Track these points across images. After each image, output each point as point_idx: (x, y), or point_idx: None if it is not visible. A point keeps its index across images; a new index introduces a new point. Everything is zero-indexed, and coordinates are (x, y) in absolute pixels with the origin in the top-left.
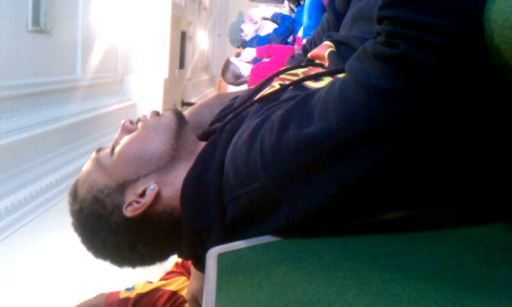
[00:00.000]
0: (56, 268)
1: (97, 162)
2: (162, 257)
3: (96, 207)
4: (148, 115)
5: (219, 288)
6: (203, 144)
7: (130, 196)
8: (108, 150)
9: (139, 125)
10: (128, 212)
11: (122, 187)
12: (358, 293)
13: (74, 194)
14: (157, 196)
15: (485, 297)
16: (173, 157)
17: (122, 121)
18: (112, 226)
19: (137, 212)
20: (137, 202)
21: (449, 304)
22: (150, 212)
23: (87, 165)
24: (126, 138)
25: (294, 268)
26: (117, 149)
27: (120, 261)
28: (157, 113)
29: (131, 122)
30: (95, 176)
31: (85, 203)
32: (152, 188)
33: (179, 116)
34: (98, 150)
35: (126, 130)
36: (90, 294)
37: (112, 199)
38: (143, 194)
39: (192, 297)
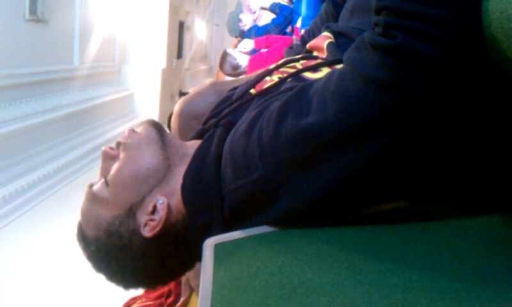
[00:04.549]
0: (54, 258)
1: (95, 197)
2: (191, 265)
3: (113, 241)
4: (126, 133)
5: (216, 278)
6: (192, 143)
7: (142, 217)
8: (101, 182)
9: (121, 148)
10: (147, 232)
11: (131, 211)
12: (354, 283)
13: (83, 238)
14: (168, 207)
15: (480, 287)
16: (168, 165)
17: (103, 148)
18: (136, 253)
19: (157, 229)
20: (152, 220)
21: (445, 294)
22: (166, 224)
23: (84, 205)
24: (115, 166)
25: (290, 258)
26: (110, 178)
27: (152, 282)
28: (133, 131)
29: (111, 148)
30: (98, 211)
31: (100, 241)
32: (161, 202)
33: (156, 126)
34: (90, 186)
35: (109, 157)
36: (89, 284)
37: (126, 227)
38: (153, 211)
39: (185, 281)
